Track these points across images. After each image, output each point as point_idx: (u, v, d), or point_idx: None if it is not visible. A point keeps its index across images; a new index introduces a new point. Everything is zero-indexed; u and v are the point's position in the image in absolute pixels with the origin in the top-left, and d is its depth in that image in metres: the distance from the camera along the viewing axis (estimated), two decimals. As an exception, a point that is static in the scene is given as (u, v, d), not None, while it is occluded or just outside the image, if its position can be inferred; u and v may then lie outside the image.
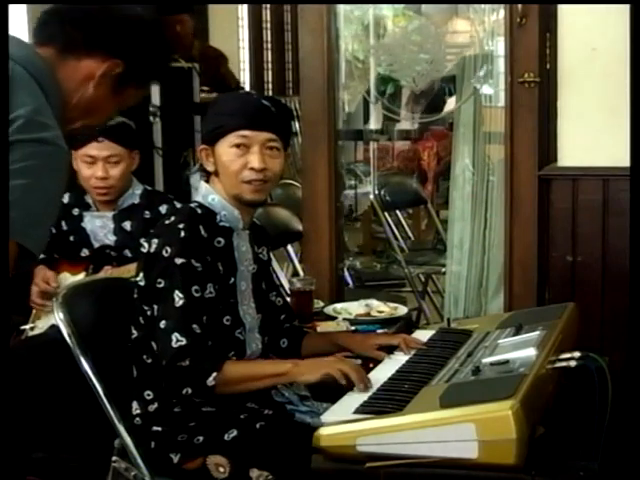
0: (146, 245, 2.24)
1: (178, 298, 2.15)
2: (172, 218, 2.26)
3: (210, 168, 2.31)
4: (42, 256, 3.15)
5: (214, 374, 2.10)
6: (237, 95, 2.34)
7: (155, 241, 2.22)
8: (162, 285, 2.18)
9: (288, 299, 2.76)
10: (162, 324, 2.15)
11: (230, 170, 2.27)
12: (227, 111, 2.30)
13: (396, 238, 4.95)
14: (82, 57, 1.72)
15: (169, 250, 2.18)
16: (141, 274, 2.24)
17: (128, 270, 2.71)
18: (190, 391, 2.12)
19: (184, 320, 2.14)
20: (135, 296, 2.25)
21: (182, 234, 2.19)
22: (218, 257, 2.26)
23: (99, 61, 1.72)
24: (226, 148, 2.27)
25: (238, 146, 2.26)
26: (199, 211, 2.29)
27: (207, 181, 2.34)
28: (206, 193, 2.32)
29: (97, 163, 3.06)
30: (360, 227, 6.64)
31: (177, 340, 2.11)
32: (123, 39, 1.75)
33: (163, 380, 2.15)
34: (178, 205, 3.03)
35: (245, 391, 2.18)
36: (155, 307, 2.19)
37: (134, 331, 2.26)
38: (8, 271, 1.87)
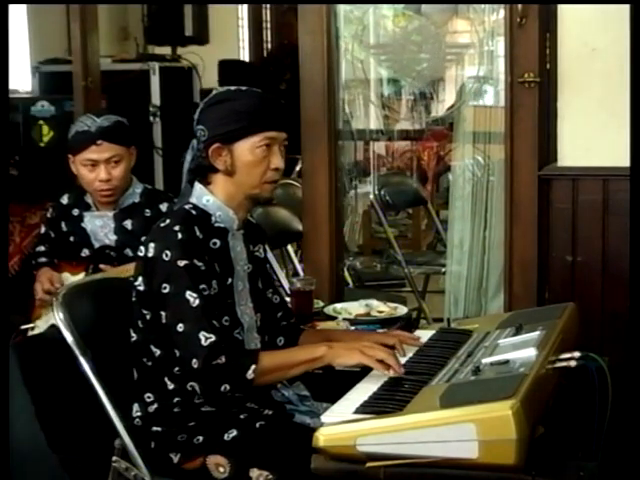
0: (143, 249, 2.22)
1: (192, 298, 2.12)
2: (167, 221, 2.23)
3: (221, 167, 2.26)
4: (44, 259, 3.16)
5: (253, 367, 2.08)
6: (252, 93, 2.28)
7: (152, 245, 2.19)
8: (168, 290, 2.15)
9: (288, 299, 2.76)
10: (180, 328, 2.12)
11: (256, 171, 2.26)
12: (248, 110, 2.25)
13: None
14: None
15: (169, 254, 2.16)
16: (140, 278, 2.22)
17: (126, 270, 2.71)
18: (229, 387, 2.09)
19: (205, 318, 2.12)
20: (134, 299, 2.24)
21: (179, 236, 2.17)
22: (214, 258, 2.24)
23: None
24: (251, 149, 2.24)
25: (265, 146, 2.25)
26: (194, 213, 2.27)
27: (202, 181, 2.32)
28: (200, 194, 2.30)
29: (99, 166, 3.05)
30: (360, 227, 6.62)
31: (206, 338, 2.08)
32: None
33: (196, 381, 2.11)
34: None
35: (281, 379, 2.20)
36: (163, 314, 2.16)
37: (133, 334, 2.25)
38: (7, 271, 1.88)
